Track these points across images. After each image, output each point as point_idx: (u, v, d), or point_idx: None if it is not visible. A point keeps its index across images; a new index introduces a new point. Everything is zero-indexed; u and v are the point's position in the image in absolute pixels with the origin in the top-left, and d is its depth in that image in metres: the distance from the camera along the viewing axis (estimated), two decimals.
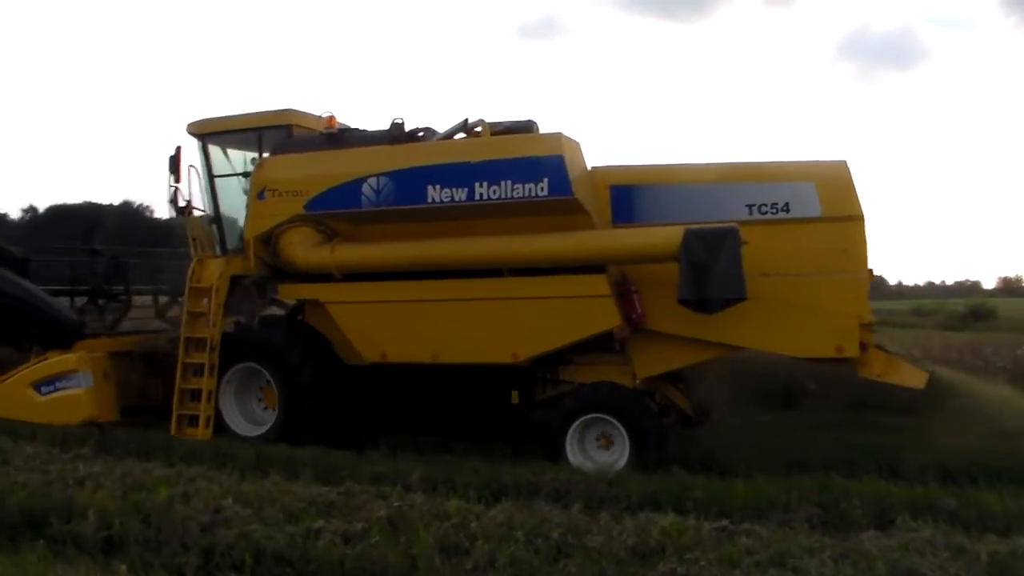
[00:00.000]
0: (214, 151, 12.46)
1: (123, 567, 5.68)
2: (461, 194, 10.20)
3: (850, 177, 9.67)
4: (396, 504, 7.23)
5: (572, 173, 9.89)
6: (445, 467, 8.88)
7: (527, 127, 10.58)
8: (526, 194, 9.92)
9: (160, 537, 6.54)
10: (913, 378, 9.60)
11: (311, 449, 9.73)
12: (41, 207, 67.38)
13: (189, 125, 12.43)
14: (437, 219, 10.47)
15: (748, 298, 9.22)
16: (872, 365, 9.55)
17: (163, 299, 14.28)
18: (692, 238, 9.17)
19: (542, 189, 9.85)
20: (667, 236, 9.37)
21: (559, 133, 10.15)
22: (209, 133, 12.40)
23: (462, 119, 10.92)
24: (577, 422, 9.90)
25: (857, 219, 9.58)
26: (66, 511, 7.03)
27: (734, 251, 9.07)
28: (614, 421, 9.77)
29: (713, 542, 6.31)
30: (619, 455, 9.68)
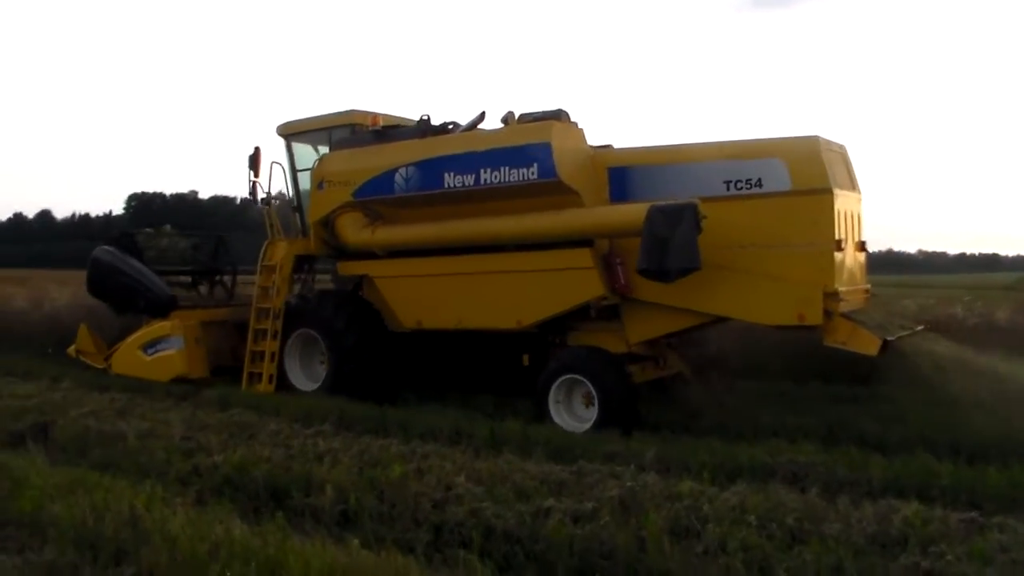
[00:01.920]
0: (297, 148, 14.56)
1: (356, 540, 5.76)
2: (470, 180, 11.54)
3: (819, 152, 10.07)
4: (628, 484, 7.12)
5: (561, 158, 10.88)
6: (680, 447, 8.72)
7: (556, 116, 11.39)
8: (520, 178, 11.11)
9: (393, 512, 6.66)
10: (868, 345, 9.81)
11: (546, 427, 9.84)
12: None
13: (278, 127, 14.63)
14: (453, 202, 11.82)
15: (724, 269, 10.18)
16: (836, 333, 9.93)
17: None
18: (655, 213, 9.94)
19: (533, 173, 10.99)
20: (635, 212, 10.22)
21: (551, 122, 11.17)
22: (292, 133, 14.53)
23: (480, 112, 12.35)
24: (558, 382, 10.89)
25: (825, 192, 9.94)
26: (305, 485, 7.29)
27: (691, 225, 9.78)
28: (587, 382, 10.68)
29: (961, 534, 5.91)
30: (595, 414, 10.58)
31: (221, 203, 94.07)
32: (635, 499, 6.75)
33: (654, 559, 5.57)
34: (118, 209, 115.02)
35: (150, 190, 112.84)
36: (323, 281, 15.12)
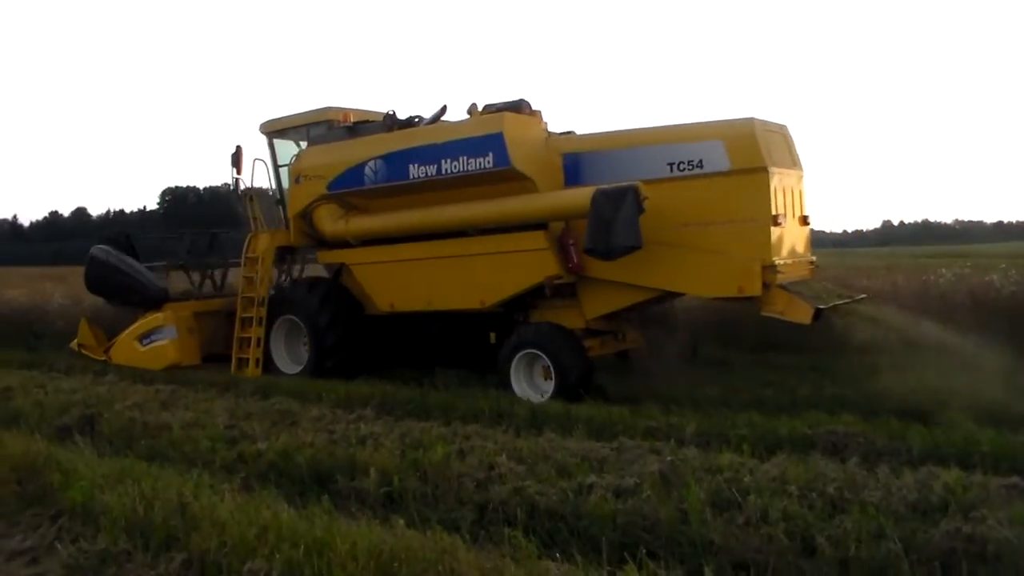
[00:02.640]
0: (278, 145, 15.32)
1: (401, 521, 5.83)
2: (432, 170, 12.30)
3: (754, 133, 10.58)
4: (669, 459, 7.16)
5: (513, 147, 11.57)
6: (720, 420, 8.77)
7: (516, 106, 12.13)
8: (477, 167, 11.83)
9: (437, 493, 6.75)
10: (802, 314, 10.25)
11: (586, 405, 9.86)
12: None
13: (260, 125, 15.39)
14: (418, 192, 12.65)
15: (670, 246, 10.86)
16: (774, 303, 10.42)
17: None
18: (599, 196, 10.58)
19: (488, 162, 11.70)
20: (582, 196, 10.88)
21: (503, 113, 11.86)
22: (273, 131, 15.27)
23: (441, 106, 13.23)
24: (518, 356, 11.64)
25: (760, 171, 10.45)
26: (349, 468, 7.40)
27: (633, 206, 10.42)
28: (544, 356, 11.39)
29: (1002, 500, 5.92)
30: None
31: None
32: (676, 473, 6.80)
33: (696, 531, 5.64)
34: (152, 204, 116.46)
35: (184, 184, 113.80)
36: (318, 269, 15.81)
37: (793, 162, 11.32)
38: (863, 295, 12.06)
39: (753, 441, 7.78)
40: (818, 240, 14.05)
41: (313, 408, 10.26)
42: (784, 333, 12.67)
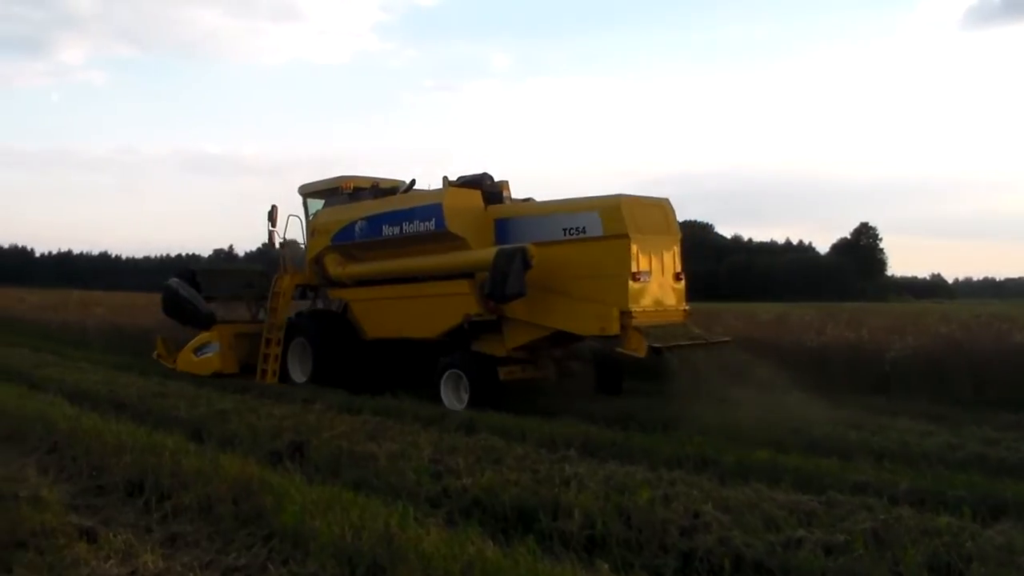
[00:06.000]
0: (310, 203, 19.13)
1: (605, 566, 5.79)
2: (397, 230, 15.82)
3: (620, 208, 13.25)
4: (882, 517, 6.91)
5: (450, 214, 14.80)
6: (935, 479, 8.41)
7: (479, 179, 15.63)
8: (424, 229, 15.24)
9: (640, 539, 6.65)
10: (640, 348, 12.73)
11: (793, 455, 9.71)
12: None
13: (298, 187, 19.35)
14: (389, 247, 16.22)
15: (561, 294, 13.60)
16: (629, 342, 12.85)
17: None
18: (499, 254, 13.54)
19: (431, 225, 15.08)
20: (487, 253, 13.92)
21: (445, 188, 15.43)
22: (306, 193, 19.16)
23: (411, 179, 17.10)
24: (446, 375, 14.58)
25: (623, 237, 13.08)
26: (553, 509, 7.32)
27: (520, 263, 13.25)
28: (464, 375, 14.30)
29: None
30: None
31: None
32: (890, 532, 6.58)
33: None
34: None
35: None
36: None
37: (667, 230, 13.97)
38: (726, 338, 14.51)
39: (973, 503, 7.40)
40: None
41: (517, 446, 10.28)
42: (1007, 388, 13.57)
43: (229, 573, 6.34)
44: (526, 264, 13.24)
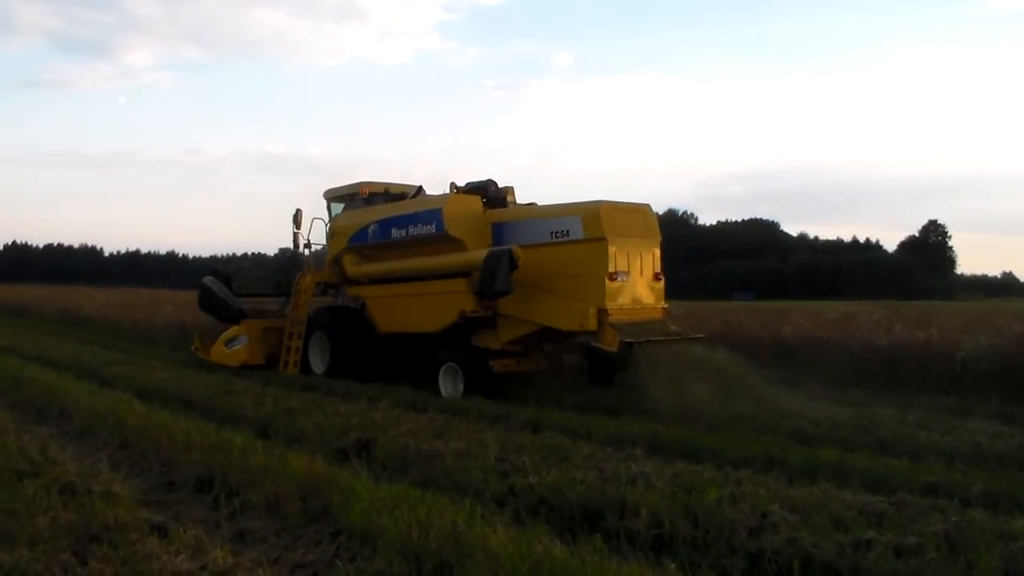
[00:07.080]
0: (333, 207, 20.46)
1: (672, 566, 5.78)
2: (404, 232, 17.03)
3: (599, 213, 14.19)
4: (954, 519, 6.80)
5: (450, 219, 15.94)
6: (1009, 481, 8.25)
7: (484, 185, 16.86)
8: (427, 232, 16.42)
9: (707, 538, 6.59)
10: (613, 343, 13.66)
11: (861, 455, 9.52)
12: None
13: (324, 192, 20.71)
14: (397, 248, 17.45)
15: (547, 292, 14.63)
16: (604, 337, 13.77)
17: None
18: (489, 255, 14.64)
19: (432, 229, 16.26)
20: (479, 255, 15.00)
21: (447, 194, 16.74)
22: (331, 197, 20.50)
23: (418, 186, 18.61)
24: (444, 366, 15.76)
25: (601, 240, 14.08)
26: (619, 508, 7.26)
27: (507, 263, 14.32)
28: (458, 368, 15.48)
29: None
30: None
31: None
32: (962, 535, 6.45)
33: None
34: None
35: None
36: None
37: (646, 233, 14.89)
38: (700, 335, 15.04)
39: None
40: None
41: (584, 445, 10.24)
42: None
43: (297, 569, 6.42)
44: (512, 264, 14.34)
